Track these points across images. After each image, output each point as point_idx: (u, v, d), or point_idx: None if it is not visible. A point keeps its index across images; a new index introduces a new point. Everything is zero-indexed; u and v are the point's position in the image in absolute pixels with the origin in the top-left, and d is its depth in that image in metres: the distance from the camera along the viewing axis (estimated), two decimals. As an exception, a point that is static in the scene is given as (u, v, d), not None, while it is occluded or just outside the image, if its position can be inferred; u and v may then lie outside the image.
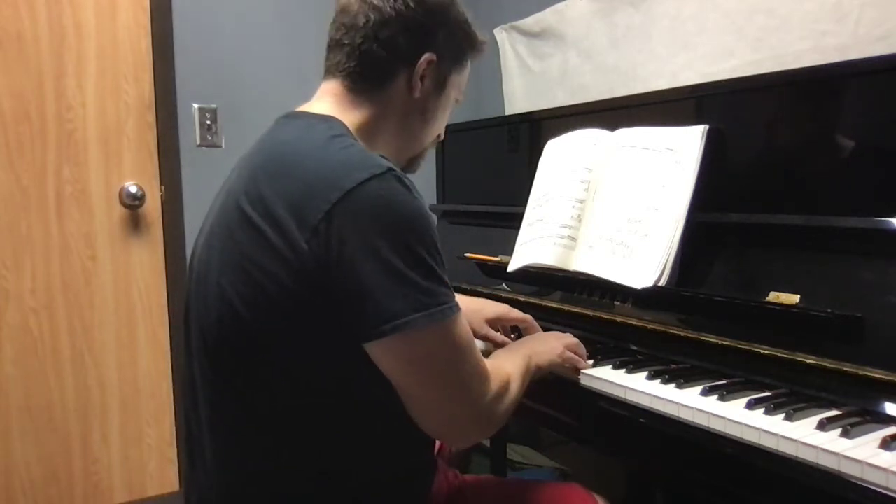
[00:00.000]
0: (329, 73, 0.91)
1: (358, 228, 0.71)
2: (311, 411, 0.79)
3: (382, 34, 0.86)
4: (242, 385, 0.80)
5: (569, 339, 1.08)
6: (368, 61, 0.87)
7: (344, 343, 0.75)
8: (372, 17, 0.86)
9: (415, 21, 0.87)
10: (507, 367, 0.90)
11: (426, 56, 0.88)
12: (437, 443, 1.10)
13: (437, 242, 0.76)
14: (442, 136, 1.02)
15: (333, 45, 0.90)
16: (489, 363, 0.85)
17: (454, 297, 0.77)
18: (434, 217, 0.79)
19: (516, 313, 1.19)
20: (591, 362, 1.08)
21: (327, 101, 0.89)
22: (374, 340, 0.73)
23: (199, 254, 0.87)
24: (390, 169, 0.75)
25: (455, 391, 0.79)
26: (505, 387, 0.86)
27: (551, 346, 1.05)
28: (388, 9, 0.86)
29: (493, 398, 0.83)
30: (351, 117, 0.87)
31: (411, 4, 0.87)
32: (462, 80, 0.98)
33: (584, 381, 1.05)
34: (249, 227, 0.76)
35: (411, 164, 1.00)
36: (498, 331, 1.17)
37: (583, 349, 1.09)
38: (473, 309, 1.16)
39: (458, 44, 0.93)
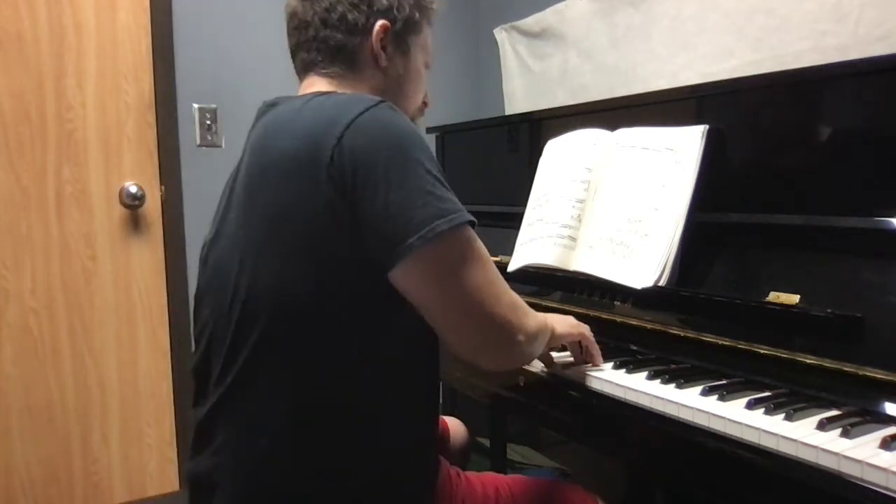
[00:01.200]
0: (301, 71, 0.96)
1: (365, 155, 0.74)
2: (315, 409, 0.80)
3: (331, 18, 0.90)
4: (246, 384, 0.80)
5: (584, 327, 1.08)
6: (329, 48, 0.92)
7: (359, 319, 0.77)
8: (316, 7, 0.90)
9: None
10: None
11: (380, 23, 0.91)
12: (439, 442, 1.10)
13: (436, 159, 0.80)
14: (428, 103, 1.05)
15: (295, 50, 0.95)
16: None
17: (463, 207, 0.79)
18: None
19: None
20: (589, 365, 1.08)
21: (312, 90, 0.92)
22: (401, 259, 0.74)
23: (216, 248, 0.88)
24: (382, 101, 0.79)
25: (483, 298, 0.79)
26: (527, 313, 0.86)
27: (568, 320, 1.05)
28: None
29: (521, 311, 0.85)
30: None
31: None
32: (424, 43, 0.99)
33: (584, 380, 1.05)
34: (267, 185, 0.79)
35: None
36: None
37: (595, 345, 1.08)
38: None
39: (406, 7, 0.94)
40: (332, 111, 0.78)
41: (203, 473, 0.87)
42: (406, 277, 0.76)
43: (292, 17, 0.94)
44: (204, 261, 0.92)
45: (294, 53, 0.95)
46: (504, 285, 0.83)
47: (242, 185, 0.84)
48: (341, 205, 0.74)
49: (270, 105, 0.90)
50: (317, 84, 0.93)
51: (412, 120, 1.01)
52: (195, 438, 0.91)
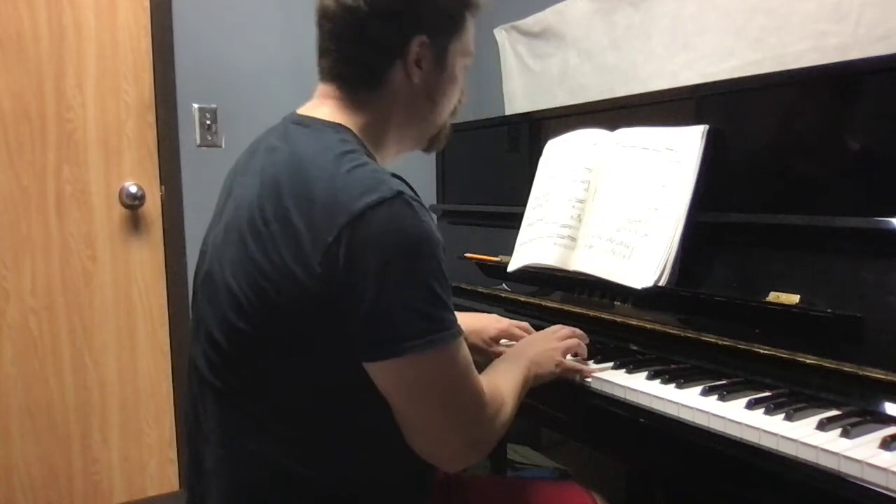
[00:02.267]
0: (323, 76, 0.89)
1: (365, 253, 0.71)
2: (312, 413, 0.79)
3: (364, 34, 0.83)
4: (245, 389, 0.80)
5: (568, 342, 1.06)
6: (358, 64, 0.85)
7: (347, 354, 0.76)
8: (349, 18, 0.83)
9: (392, 10, 0.83)
10: (503, 385, 0.89)
11: (416, 40, 0.84)
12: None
13: (444, 267, 0.76)
14: (464, 100, 0.98)
15: (322, 52, 0.88)
16: (485, 380, 0.84)
17: (456, 321, 0.77)
18: (441, 240, 0.78)
19: (517, 329, 1.18)
20: (593, 365, 1.08)
21: (330, 105, 0.87)
22: (374, 362, 0.74)
23: (209, 258, 0.86)
24: (400, 193, 0.74)
25: (450, 417, 0.79)
26: (499, 408, 0.85)
27: (550, 354, 1.03)
28: (363, 6, 0.82)
29: (488, 422, 0.82)
30: (356, 120, 0.86)
31: None
32: (465, 44, 0.92)
33: (584, 380, 1.05)
34: (263, 244, 0.76)
35: (433, 142, 0.98)
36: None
37: (583, 348, 1.08)
38: (475, 329, 1.16)
39: (449, 13, 0.88)
40: (344, 192, 0.73)
41: (200, 476, 0.87)
42: (374, 376, 0.76)
43: (324, 16, 0.85)
44: (200, 261, 0.91)
45: (321, 54, 0.89)
46: (475, 400, 0.80)
47: (246, 218, 0.79)
48: (328, 291, 0.72)
49: (300, 125, 0.85)
50: (334, 99, 0.87)
51: (442, 130, 0.97)
52: (190, 438, 0.91)
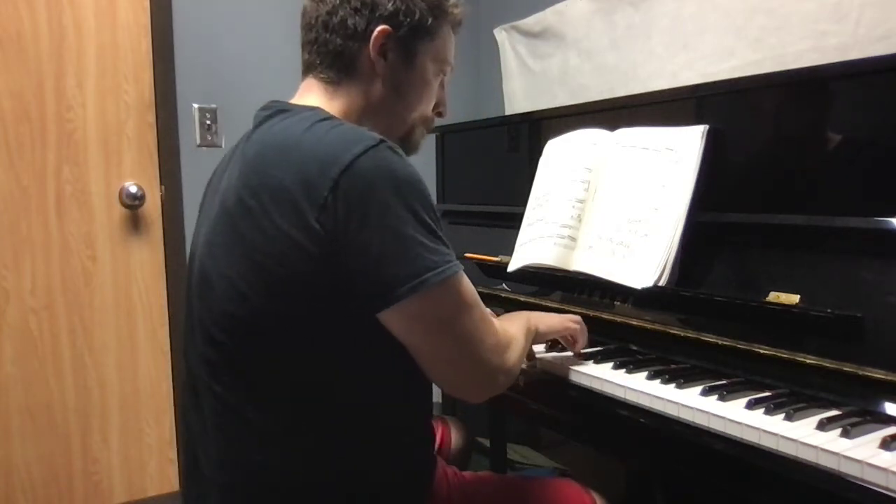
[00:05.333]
0: (304, 72, 0.95)
1: (361, 200, 0.73)
2: (313, 410, 0.80)
3: (332, 21, 0.89)
4: (246, 386, 0.80)
5: (573, 316, 1.11)
6: (328, 52, 0.90)
7: (350, 330, 0.77)
8: (321, 8, 0.89)
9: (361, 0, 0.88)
10: (508, 326, 0.93)
11: (379, 29, 0.88)
12: (437, 441, 1.10)
13: (433, 205, 0.79)
14: (444, 112, 1.02)
15: (302, 47, 0.94)
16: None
17: (454, 255, 0.80)
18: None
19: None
20: (588, 355, 1.09)
21: (309, 96, 0.92)
22: (390, 306, 0.75)
23: (199, 257, 0.87)
24: (382, 140, 0.77)
25: (468, 345, 0.82)
26: (509, 339, 0.89)
27: (549, 315, 1.08)
28: None
29: (503, 349, 0.87)
30: (334, 107, 0.89)
31: None
32: (440, 50, 0.95)
33: (584, 380, 1.05)
34: (256, 219, 0.76)
35: (404, 145, 0.98)
36: None
37: (585, 336, 1.11)
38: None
39: (417, 11, 0.90)
40: (330, 147, 0.76)
41: (199, 481, 0.87)
42: (392, 323, 0.78)
43: (303, 14, 0.93)
44: (190, 267, 0.91)
45: (302, 50, 0.95)
46: (488, 327, 0.84)
47: (232, 201, 0.80)
48: (330, 247, 0.74)
49: (269, 115, 0.88)
50: (313, 89, 0.91)
51: (412, 133, 0.98)
52: (187, 446, 0.91)
